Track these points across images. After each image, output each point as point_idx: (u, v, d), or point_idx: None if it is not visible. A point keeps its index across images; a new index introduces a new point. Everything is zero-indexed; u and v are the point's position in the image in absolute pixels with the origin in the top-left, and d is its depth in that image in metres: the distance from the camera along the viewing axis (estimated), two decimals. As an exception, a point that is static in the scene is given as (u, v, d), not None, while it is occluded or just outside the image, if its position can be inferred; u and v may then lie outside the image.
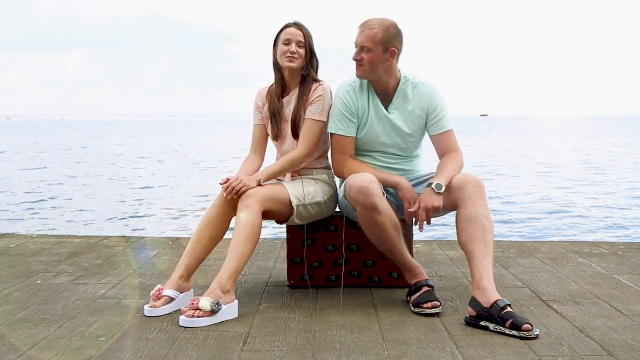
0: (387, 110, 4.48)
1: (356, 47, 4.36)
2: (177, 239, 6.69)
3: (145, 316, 4.05)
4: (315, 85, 4.53)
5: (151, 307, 4.09)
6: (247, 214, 4.10)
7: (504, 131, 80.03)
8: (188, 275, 4.28)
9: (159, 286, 4.23)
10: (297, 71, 4.52)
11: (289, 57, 4.46)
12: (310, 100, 4.49)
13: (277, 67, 4.56)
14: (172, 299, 4.15)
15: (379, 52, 4.31)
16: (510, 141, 54.36)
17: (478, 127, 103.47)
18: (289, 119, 4.54)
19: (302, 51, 4.49)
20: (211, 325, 3.83)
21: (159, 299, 4.13)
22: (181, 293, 4.21)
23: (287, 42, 4.46)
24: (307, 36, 4.51)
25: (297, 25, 4.50)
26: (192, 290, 4.31)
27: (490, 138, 61.14)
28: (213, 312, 3.86)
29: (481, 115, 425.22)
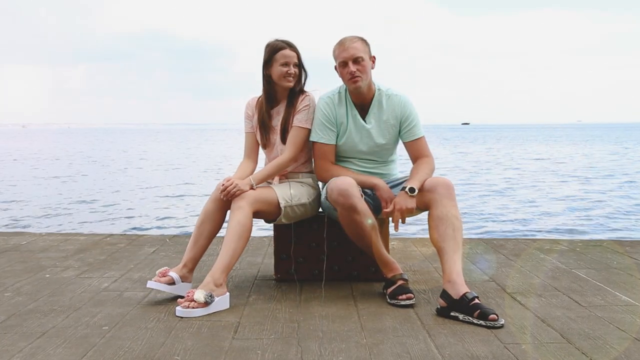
0: (364, 121, 4.50)
1: (345, 63, 4.34)
2: (174, 236, 6.69)
3: (147, 287, 4.17)
4: (302, 96, 4.56)
5: (155, 281, 4.16)
6: (238, 214, 4.12)
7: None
8: (192, 265, 4.33)
9: (165, 267, 4.28)
10: (289, 88, 4.56)
11: (289, 78, 4.49)
12: (298, 110, 4.52)
13: (270, 82, 4.57)
14: (174, 282, 4.21)
15: (367, 60, 4.36)
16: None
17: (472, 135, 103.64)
18: (278, 128, 4.56)
19: (297, 70, 4.53)
20: (204, 315, 3.84)
21: (164, 276, 4.21)
22: (182, 281, 4.26)
23: (285, 64, 4.47)
24: (299, 55, 4.55)
25: (291, 47, 4.51)
26: (192, 283, 4.32)
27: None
28: (206, 304, 3.87)
29: (463, 124, 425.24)
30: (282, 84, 4.52)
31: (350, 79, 4.37)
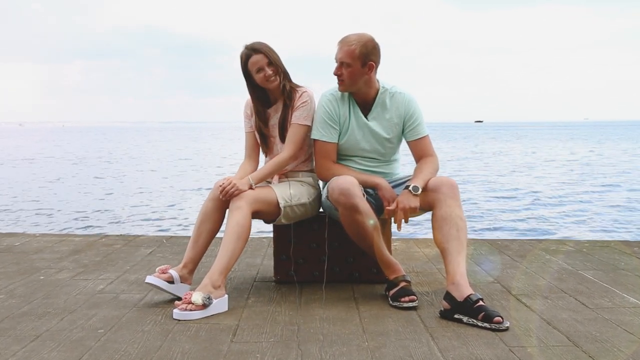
0: (367, 118, 4.49)
1: (336, 62, 4.38)
2: (171, 237, 6.69)
3: (146, 282, 4.15)
4: (300, 93, 4.56)
5: (155, 276, 4.16)
6: (237, 214, 4.12)
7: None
8: (192, 266, 4.33)
9: (166, 265, 4.30)
10: (278, 86, 4.54)
11: (268, 80, 4.49)
12: (296, 106, 4.52)
13: (257, 88, 4.58)
14: (172, 280, 4.21)
15: (358, 66, 4.32)
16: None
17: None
18: (277, 127, 4.57)
19: (273, 69, 4.50)
20: (202, 318, 3.84)
21: (164, 273, 4.22)
22: (181, 282, 4.26)
23: (259, 70, 4.47)
24: (267, 53, 4.50)
25: (256, 51, 4.49)
26: (191, 286, 4.31)
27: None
28: (204, 306, 3.86)
29: (476, 122, 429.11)
30: (267, 87, 4.54)
31: (337, 79, 4.43)
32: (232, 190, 4.20)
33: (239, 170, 4.60)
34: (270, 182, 4.55)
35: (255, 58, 4.48)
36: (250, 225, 4.19)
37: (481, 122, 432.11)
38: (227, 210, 4.25)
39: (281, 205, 4.33)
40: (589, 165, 31.66)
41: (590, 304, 4.11)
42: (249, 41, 4.58)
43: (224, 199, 4.23)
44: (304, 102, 4.53)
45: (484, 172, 27.26)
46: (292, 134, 4.50)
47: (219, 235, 4.35)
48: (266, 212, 4.34)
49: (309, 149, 4.66)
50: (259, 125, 4.62)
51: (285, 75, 4.58)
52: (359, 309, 4.04)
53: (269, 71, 4.48)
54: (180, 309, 3.87)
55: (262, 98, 4.61)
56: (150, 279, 4.16)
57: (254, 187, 4.31)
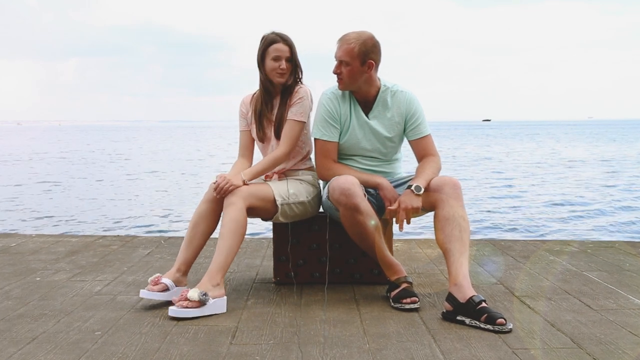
0: (368, 117, 4.49)
1: (336, 60, 4.38)
2: (169, 237, 6.68)
3: (140, 297, 4.12)
4: (296, 88, 4.56)
5: (148, 290, 4.12)
6: (231, 210, 4.12)
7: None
8: (185, 268, 4.30)
9: (157, 274, 4.23)
10: (283, 83, 4.55)
11: (279, 73, 4.49)
12: (293, 102, 4.52)
13: (265, 77, 4.57)
14: (167, 288, 4.16)
15: (357, 65, 4.32)
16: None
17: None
18: (272, 124, 4.56)
19: (289, 65, 4.52)
20: (200, 318, 3.84)
21: (157, 284, 4.16)
22: (176, 285, 4.22)
23: (277, 59, 4.47)
24: (293, 51, 4.54)
25: (284, 41, 4.51)
26: (187, 286, 4.30)
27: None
28: (200, 302, 3.86)
29: (483, 120, 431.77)
30: (273, 79, 4.53)
31: (337, 77, 4.44)
32: (227, 186, 4.19)
33: (232, 169, 4.59)
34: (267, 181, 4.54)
35: (281, 46, 4.49)
36: (246, 221, 4.18)
37: (489, 120, 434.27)
38: (222, 211, 4.24)
39: (278, 203, 4.33)
40: (599, 165, 31.63)
41: (595, 305, 4.11)
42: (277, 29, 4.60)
43: (219, 197, 4.22)
44: (300, 98, 4.53)
45: (494, 172, 27.24)
46: (288, 130, 4.50)
47: (214, 235, 4.34)
48: (262, 209, 4.33)
49: (304, 146, 4.66)
50: (258, 113, 4.61)
51: (297, 77, 4.60)
52: (360, 311, 4.04)
53: (285, 65, 4.49)
54: (178, 306, 3.87)
55: (267, 87, 4.61)
56: (144, 293, 4.12)
57: (246, 182, 4.31)
